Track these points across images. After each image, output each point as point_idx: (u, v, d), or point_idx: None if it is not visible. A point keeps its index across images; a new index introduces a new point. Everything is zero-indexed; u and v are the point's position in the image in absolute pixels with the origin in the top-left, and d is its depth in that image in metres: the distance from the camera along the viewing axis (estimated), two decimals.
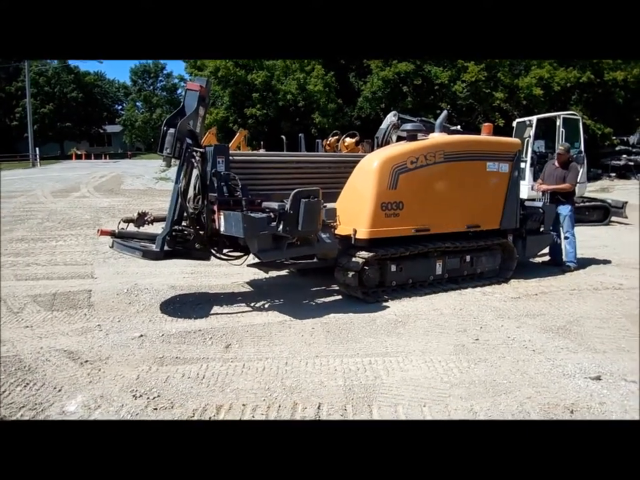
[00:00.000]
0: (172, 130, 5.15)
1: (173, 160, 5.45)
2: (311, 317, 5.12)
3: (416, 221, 5.77)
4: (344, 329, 4.82)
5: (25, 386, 3.56)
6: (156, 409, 3.28)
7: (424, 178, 5.78)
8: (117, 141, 61.42)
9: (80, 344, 4.35)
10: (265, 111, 23.69)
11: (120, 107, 65.16)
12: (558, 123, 11.86)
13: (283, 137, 12.26)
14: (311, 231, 5.08)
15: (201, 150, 5.25)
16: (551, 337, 4.65)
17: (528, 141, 11.86)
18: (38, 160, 34.40)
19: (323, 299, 5.82)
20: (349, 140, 7.63)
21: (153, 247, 5.16)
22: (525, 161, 11.38)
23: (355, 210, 5.62)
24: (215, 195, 5.13)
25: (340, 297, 5.87)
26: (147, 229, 5.59)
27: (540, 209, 7.12)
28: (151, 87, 60.46)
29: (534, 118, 12.39)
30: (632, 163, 23.66)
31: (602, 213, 12.14)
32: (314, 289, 6.23)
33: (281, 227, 4.86)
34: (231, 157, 5.37)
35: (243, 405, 3.35)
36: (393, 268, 5.73)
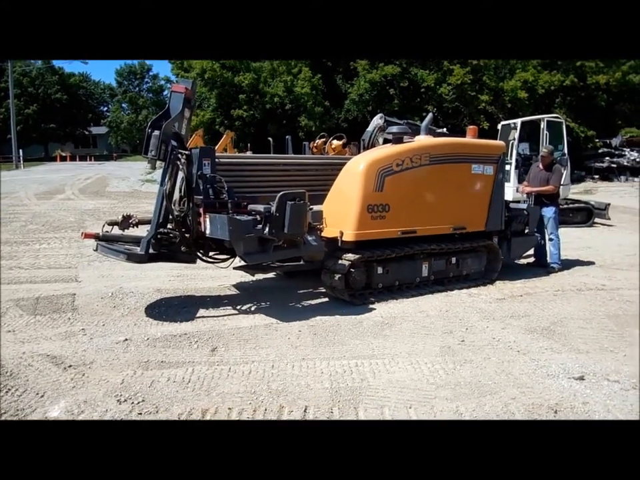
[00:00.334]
0: (157, 132, 5.12)
1: (158, 162, 5.41)
2: (297, 319, 5.12)
3: (402, 223, 5.80)
4: (330, 331, 4.82)
5: (6, 392, 3.50)
6: (140, 413, 3.25)
7: (410, 180, 5.81)
8: (102, 142, 60.89)
9: (63, 348, 4.30)
10: (251, 112, 23.65)
11: (105, 109, 64.73)
12: (542, 126, 11.99)
13: (270, 139, 12.29)
14: (297, 234, 5.07)
15: (186, 152, 5.22)
16: (536, 338, 4.69)
17: (513, 143, 11.98)
18: (21, 162, 33.90)
19: (309, 302, 5.82)
20: (336, 142, 7.65)
21: (138, 250, 5.11)
22: (510, 163, 11.50)
23: (341, 212, 5.63)
24: (201, 197, 5.10)
25: (327, 299, 5.87)
26: (132, 231, 5.55)
27: (524, 211, 7.18)
28: (137, 89, 60.09)
29: (518, 121, 12.53)
30: (615, 165, 24.06)
31: (585, 215, 12.29)
32: (301, 291, 6.23)
33: (266, 229, 4.85)
34: (217, 159, 5.35)
35: (229, 408, 3.33)
36: (380, 270, 5.75)
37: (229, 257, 5.72)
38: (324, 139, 7.89)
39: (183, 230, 5.25)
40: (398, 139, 6.08)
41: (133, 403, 3.38)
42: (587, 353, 4.34)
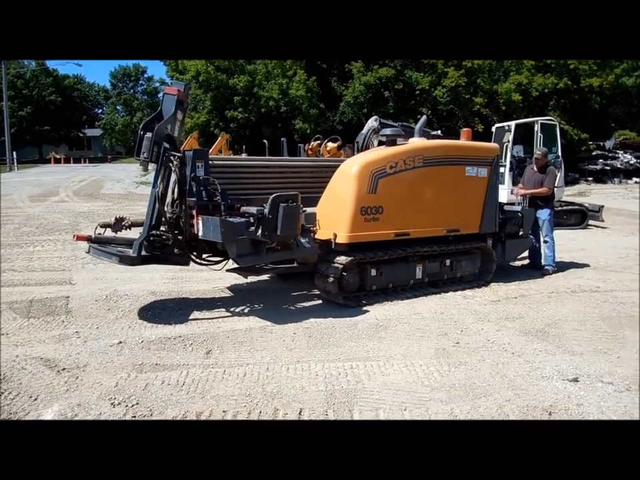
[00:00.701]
0: (149, 134, 5.12)
1: (150, 164, 5.40)
2: (292, 321, 5.11)
3: (396, 225, 5.80)
4: (325, 333, 4.82)
5: None
6: (134, 416, 3.24)
7: (403, 182, 5.81)
8: (96, 144, 60.73)
9: (57, 351, 4.28)
10: (246, 115, 23.63)
11: (100, 111, 64.57)
12: (536, 128, 12.04)
13: (265, 141, 12.27)
14: (290, 236, 5.07)
15: (179, 154, 5.21)
16: (530, 340, 4.70)
17: (507, 145, 12.03)
18: (15, 164, 33.72)
19: (304, 304, 5.81)
20: (331, 144, 7.67)
21: (130, 252, 5.10)
22: (504, 166, 11.53)
23: (334, 214, 5.63)
24: (194, 199, 5.10)
25: (321, 301, 5.87)
26: (125, 234, 5.54)
27: (519, 213, 7.21)
28: (132, 91, 59.99)
29: (512, 123, 12.58)
30: (608, 168, 24.23)
31: (579, 217, 12.34)
32: (296, 293, 6.22)
33: (259, 231, 4.85)
34: (211, 162, 5.35)
35: (224, 411, 3.32)
36: (373, 272, 5.75)
37: (222, 259, 5.71)
38: (319, 141, 7.90)
39: (176, 232, 5.24)
40: (392, 141, 6.10)
41: (127, 406, 3.36)
42: (581, 355, 4.36)
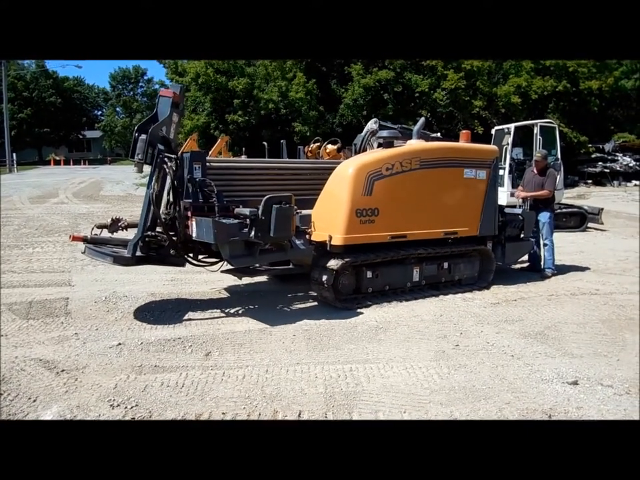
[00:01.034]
0: (143, 136, 5.14)
1: (144, 166, 5.42)
2: (291, 323, 5.11)
3: (392, 227, 5.78)
4: (325, 335, 4.82)
5: None
6: (134, 418, 3.23)
7: (400, 185, 5.78)
8: (96, 146, 60.79)
9: (56, 353, 4.27)
10: (246, 118, 23.64)
11: (99, 113, 64.57)
12: (535, 131, 12.04)
13: (265, 143, 12.29)
14: (284, 237, 5.08)
15: (173, 156, 5.23)
16: (530, 343, 4.70)
17: (506, 148, 12.03)
18: (15, 166, 33.77)
19: (304, 306, 5.81)
20: (330, 147, 7.67)
21: (125, 253, 5.12)
22: (504, 168, 11.54)
23: (330, 216, 5.62)
24: (190, 200, 5.13)
25: (321, 303, 5.86)
26: (122, 234, 5.54)
27: (520, 216, 7.18)
28: (131, 93, 60.03)
29: (512, 126, 12.59)
30: (607, 170, 24.24)
31: (579, 219, 12.34)
32: (295, 295, 6.21)
33: (252, 232, 4.86)
34: (208, 163, 5.36)
35: (223, 413, 3.32)
36: (369, 274, 5.73)
37: (217, 260, 5.70)
38: (319, 144, 7.91)
39: (171, 233, 5.25)
40: (388, 143, 6.09)
41: (126, 407, 3.36)
42: (580, 358, 4.36)
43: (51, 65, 51.88)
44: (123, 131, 54.38)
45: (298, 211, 5.34)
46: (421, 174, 5.92)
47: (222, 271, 5.89)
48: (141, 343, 4.53)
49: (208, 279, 6.71)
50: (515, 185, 10.88)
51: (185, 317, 5.27)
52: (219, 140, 17.54)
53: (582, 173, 24.40)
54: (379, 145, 6.63)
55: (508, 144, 12.12)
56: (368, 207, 5.58)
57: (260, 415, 3.31)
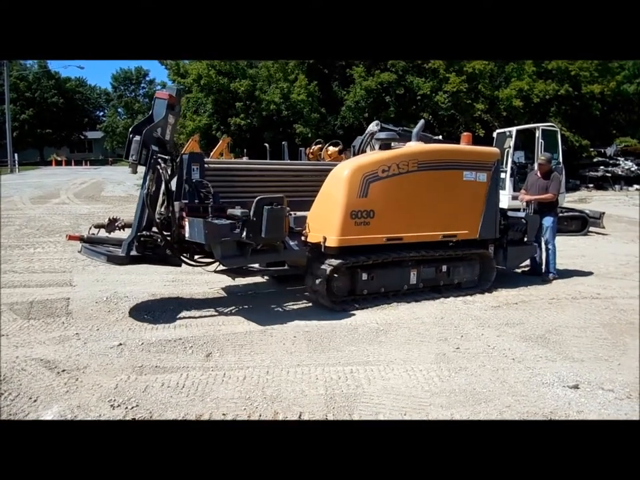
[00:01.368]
0: (137, 137, 5.16)
1: (138, 166, 5.44)
2: (292, 325, 5.11)
3: (388, 229, 5.75)
4: (326, 337, 4.81)
5: None
6: (134, 418, 3.23)
7: (396, 187, 5.74)
8: (97, 147, 60.86)
9: (57, 353, 4.28)
10: (248, 121, 23.68)
11: (101, 114, 64.61)
12: (537, 134, 12.05)
13: (267, 145, 12.31)
14: (275, 238, 5.09)
15: (167, 157, 5.25)
16: (530, 346, 4.69)
17: (508, 151, 12.04)
18: (17, 166, 33.79)
19: (304, 307, 5.81)
20: (332, 148, 7.68)
21: (119, 252, 5.13)
22: (505, 171, 11.54)
23: (325, 217, 5.61)
24: (185, 201, 5.14)
25: (321, 305, 5.85)
26: (120, 234, 5.55)
27: (522, 219, 7.14)
28: (133, 94, 60.10)
29: (513, 129, 12.60)
30: (609, 174, 24.22)
31: (580, 223, 12.34)
32: (296, 296, 6.21)
33: (244, 233, 4.87)
34: (207, 165, 5.38)
35: (223, 414, 3.31)
36: (364, 276, 5.69)
37: (213, 260, 5.70)
38: (320, 145, 7.93)
39: (166, 233, 5.26)
40: (386, 145, 6.08)
41: (126, 408, 3.36)
42: (581, 362, 4.35)
43: (53, 65, 52.25)
44: (124, 131, 54.26)
45: (291, 212, 5.35)
46: (419, 176, 5.89)
47: (216, 271, 5.89)
48: (142, 344, 4.53)
49: (209, 280, 6.71)
50: (516, 189, 10.89)
51: (186, 318, 5.27)
52: (221, 141, 17.58)
53: (583, 176, 24.39)
54: (380, 147, 6.63)
55: (510, 147, 12.12)
56: (363, 208, 5.56)
57: (260, 416, 3.30)
